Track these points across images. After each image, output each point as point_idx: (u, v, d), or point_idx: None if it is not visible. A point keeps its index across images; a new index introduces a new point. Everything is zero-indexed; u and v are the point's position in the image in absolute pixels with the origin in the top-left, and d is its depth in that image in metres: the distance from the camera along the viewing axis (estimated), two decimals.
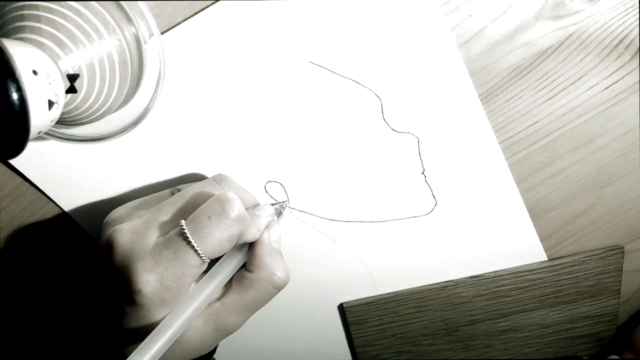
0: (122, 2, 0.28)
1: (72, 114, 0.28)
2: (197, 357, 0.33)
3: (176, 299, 0.29)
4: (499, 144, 0.36)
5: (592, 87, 0.35)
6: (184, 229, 0.28)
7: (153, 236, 0.29)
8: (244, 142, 0.35)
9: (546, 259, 0.41)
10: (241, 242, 0.31)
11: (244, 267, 0.32)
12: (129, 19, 0.28)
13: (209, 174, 0.36)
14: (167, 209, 0.31)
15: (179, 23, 0.31)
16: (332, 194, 0.38)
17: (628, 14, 0.33)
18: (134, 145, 0.35)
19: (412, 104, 0.34)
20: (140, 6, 0.28)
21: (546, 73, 0.34)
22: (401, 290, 0.43)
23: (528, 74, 0.34)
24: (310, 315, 0.44)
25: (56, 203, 0.37)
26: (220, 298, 0.31)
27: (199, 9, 0.31)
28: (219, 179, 0.33)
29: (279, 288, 0.32)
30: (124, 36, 0.28)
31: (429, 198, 0.38)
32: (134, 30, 0.28)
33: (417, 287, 0.43)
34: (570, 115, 0.36)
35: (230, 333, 0.32)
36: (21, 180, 0.36)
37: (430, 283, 0.42)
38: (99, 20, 0.27)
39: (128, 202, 0.34)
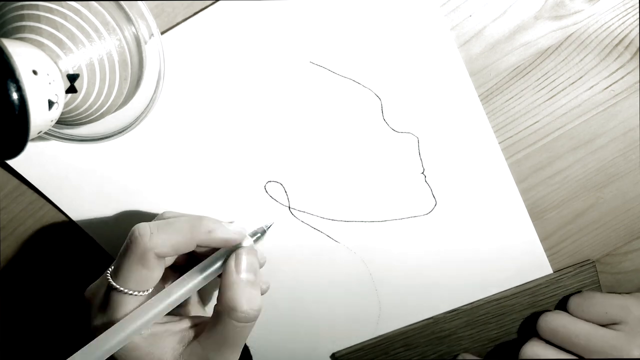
0: (122, 2, 0.28)
1: (72, 114, 0.28)
2: None
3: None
4: (499, 144, 0.36)
5: (592, 87, 0.35)
6: (107, 274, 0.31)
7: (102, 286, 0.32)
8: (244, 142, 0.35)
9: (546, 259, 0.41)
10: (188, 248, 0.31)
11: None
12: (129, 19, 0.28)
13: (209, 174, 0.36)
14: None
15: (178, 23, 0.31)
16: (332, 194, 0.38)
17: (628, 14, 0.33)
18: (134, 145, 0.35)
19: (412, 104, 0.34)
20: (140, 6, 0.28)
21: (546, 73, 0.34)
22: (386, 333, 0.44)
23: (528, 74, 0.34)
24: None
25: (54, 204, 0.37)
26: (197, 336, 0.31)
27: (198, 9, 0.31)
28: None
29: (243, 322, 0.30)
30: (124, 36, 0.28)
31: (428, 198, 0.38)
32: (134, 30, 0.28)
33: (401, 329, 0.44)
34: (570, 115, 0.36)
35: None
36: (21, 180, 0.36)
37: (413, 322, 0.44)
38: (99, 20, 0.27)
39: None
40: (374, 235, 0.40)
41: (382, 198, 0.38)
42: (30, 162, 0.35)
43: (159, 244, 0.30)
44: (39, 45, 0.25)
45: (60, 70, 0.25)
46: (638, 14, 0.33)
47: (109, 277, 0.30)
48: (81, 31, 0.26)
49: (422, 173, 0.37)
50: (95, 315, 0.32)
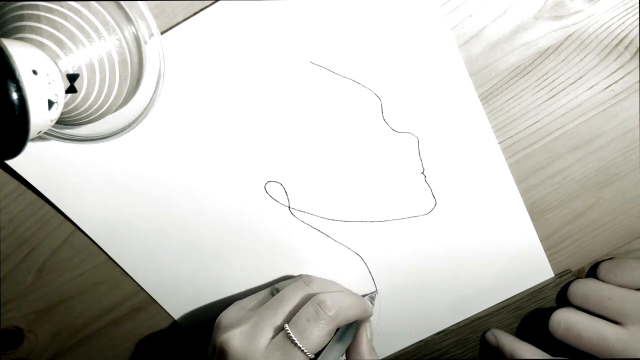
0: (122, 2, 0.28)
1: (72, 114, 0.28)
2: None
3: None
4: (499, 144, 0.36)
5: (592, 87, 0.35)
6: (289, 333, 0.34)
7: (263, 339, 0.35)
8: (244, 142, 0.35)
9: (546, 258, 0.41)
10: (344, 324, 0.36)
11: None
12: (128, 19, 0.28)
13: (209, 174, 0.36)
14: (269, 313, 0.36)
15: (178, 23, 0.31)
16: (332, 194, 0.38)
17: (628, 14, 0.33)
18: (134, 145, 0.35)
19: (412, 104, 0.34)
20: (140, 6, 0.28)
21: (546, 73, 0.34)
22: None
23: (528, 74, 0.34)
24: None
25: (54, 204, 0.37)
26: None
27: (198, 9, 0.31)
28: (308, 280, 0.38)
29: None
30: (124, 36, 0.28)
31: (428, 198, 0.38)
32: (134, 30, 0.28)
33: (391, 355, 0.46)
34: (570, 115, 0.36)
35: None
36: (21, 180, 0.36)
37: (404, 347, 0.46)
38: (99, 20, 0.26)
39: (233, 303, 0.39)
40: (374, 235, 0.40)
41: (382, 198, 0.38)
42: (30, 162, 0.35)
43: (343, 319, 0.36)
44: (39, 45, 0.25)
45: (60, 70, 0.25)
46: (638, 14, 0.33)
47: (295, 339, 0.34)
48: (81, 31, 0.26)
49: (422, 173, 0.37)
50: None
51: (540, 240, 0.40)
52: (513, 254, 0.40)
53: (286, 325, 0.34)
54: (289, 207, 0.38)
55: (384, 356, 0.46)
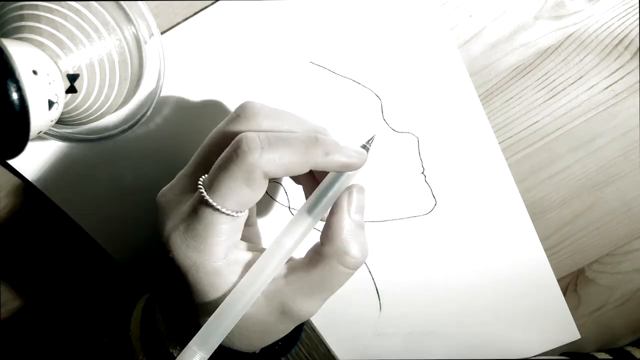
0: (122, 2, 0.28)
1: (72, 114, 0.28)
2: (266, 346, 0.29)
3: (210, 263, 0.26)
4: (499, 144, 0.36)
5: (592, 87, 0.35)
6: (199, 186, 0.25)
7: (185, 193, 0.27)
8: None
9: (546, 258, 0.41)
10: (302, 171, 0.26)
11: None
12: (129, 19, 0.28)
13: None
14: (194, 162, 0.28)
15: (178, 23, 0.31)
16: None
17: (628, 14, 0.33)
18: (134, 145, 0.35)
19: (412, 103, 0.34)
20: (140, 6, 0.28)
21: (546, 73, 0.34)
22: None
23: (528, 74, 0.34)
24: None
25: (55, 204, 0.37)
26: (285, 274, 0.27)
27: (198, 9, 0.31)
28: (242, 111, 0.27)
29: (351, 269, 0.27)
30: (124, 36, 0.28)
31: (428, 198, 0.38)
32: (134, 30, 0.28)
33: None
34: (570, 115, 0.36)
35: (300, 321, 0.28)
36: (21, 180, 0.36)
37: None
38: (99, 20, 0.27)
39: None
40: (374, 235, 0.40)
41: (382, 198, 0.38)
42: (30, 162, 0.35)
43: (269, 162, 0.24)
44: (39, 45, 0.25)
45: (60, 70, 0.25)
46: (638, 14, 0.33)
47: (203, 191, 0.25)
48: (81, 31, 0.26)
49: (422, 173, 0.37)
50: (175, 226, 0.26)
51: (540, 240, 0.40)
52: (513, 254, 0.40)
53: (200, 178, 0.26)
54: (289, 207, 0.38)
55: (384, 356, 0.46)
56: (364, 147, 0.29)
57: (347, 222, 0.27)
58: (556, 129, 0.36)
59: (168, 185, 0.29)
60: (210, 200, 0.25)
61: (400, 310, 0.44)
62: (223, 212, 0.25)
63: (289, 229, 0.27)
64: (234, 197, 0.25)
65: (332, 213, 0.27)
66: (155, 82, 0.31)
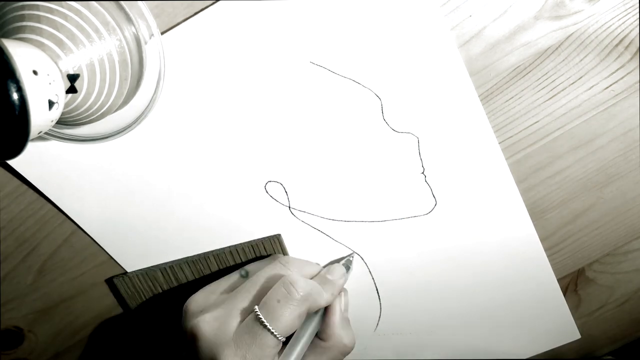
0: (122, 2, 0.28)
1: (72, 114, 0.28)
2: None
3: None
4: (499, 144, 0.36)
5: (592, 87, 0.35)
6: (259, 315, 0.32)
7: (233, 322, 0.34)
8: (244, 142, 0.35)
9: (546, 258, 0.41)
10: (315, 309, 0.35)
11: (317, 334, 0.37)
12: (129, 19, 0.28)
13: (209, 174, 0.36)
14: (242, 296, 0.35)
15: (179, 23, 0.31)
16: (332, 194, 0.38)
17: (628, 14, 0.33)
18: (134, 145, 0.35)
19: (412, 104, 0.34)
20: (140, 6, 0.28)
21: (546, 73, 0.34)
22: None
23: (528, 74, 0.34)
24: None
25: (55, 204, 0.37)
26: None
27: (199, 9, 0.31)
28: (283, 260, 0.37)
29: (346, 354, 0.37)
30: (124, 36, 0.28)
31: (428, 198, 0.38)
32: (134, 30, 0.28)
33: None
34: (570, 115, 0.36)
35: None
36: (21, 180, 0.36)
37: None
38: (99, 20, 0.27)
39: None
40: (374, 235, 0.40)
41: (382, 198, 0.38)
42: (30, 162, 0.35)
43: (315, 303, 0.35)
44: (39, 45, 0.25)
45: (61, 71, 0.25)
46: (638, 14, 0.33)
47: (264, 320, 0.32)
48: (81, 31, 0.26)
49: (422, 173, 0.37)
50: (226, 345, 0.33)
51: (540, 240, 0.40)
52: (513, 254, 0.40)
53: (256, 307, 0.33)
54: (289, 207, 0.38)
55: (384, 356, 0.46)
56: (345, 265, 0.39)
57: (341, 320, 0.37)
58: (556, 129, 0.36)
59: (208, 314, 0.35)
60: (270, 327, 0.32)
61: (401, 311, 0.44)
62: (277, 337, 0.32)
63: (299, 334, 0.35)
64: (290, 324, 0.33)
65: (328, 314, 0.37)
66: (155, 82, 0.31)
